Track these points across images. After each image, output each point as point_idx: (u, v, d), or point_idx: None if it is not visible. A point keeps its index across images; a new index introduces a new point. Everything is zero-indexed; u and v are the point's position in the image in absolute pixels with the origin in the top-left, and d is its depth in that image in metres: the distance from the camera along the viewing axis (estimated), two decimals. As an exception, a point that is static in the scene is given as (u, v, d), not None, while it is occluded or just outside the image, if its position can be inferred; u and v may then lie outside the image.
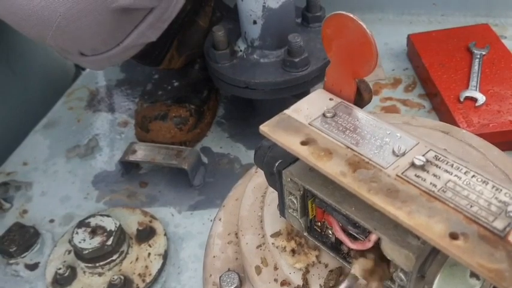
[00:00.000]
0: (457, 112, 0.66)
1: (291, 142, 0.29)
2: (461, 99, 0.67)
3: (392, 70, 0.81)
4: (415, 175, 0.26)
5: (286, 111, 0.32)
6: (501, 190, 0.25)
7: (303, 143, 0.29)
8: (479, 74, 0.70)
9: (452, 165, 0.26)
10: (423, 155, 0.27)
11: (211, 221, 0.55)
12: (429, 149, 0.28)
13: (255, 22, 0.62)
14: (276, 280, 0.36)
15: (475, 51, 0.74)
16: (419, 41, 0.78)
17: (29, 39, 0.52)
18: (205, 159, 0.72)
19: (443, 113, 0.69)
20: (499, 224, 0.23)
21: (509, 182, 0.38)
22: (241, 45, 0.66)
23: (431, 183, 0.26)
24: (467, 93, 0.67)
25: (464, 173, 0.26)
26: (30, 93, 0.87)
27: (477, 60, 0.72)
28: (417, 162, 0.27)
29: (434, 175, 0.26)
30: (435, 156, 0.27)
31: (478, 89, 0.68)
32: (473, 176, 0.26)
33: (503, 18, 0.85)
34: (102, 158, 0.74)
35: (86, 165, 0.74)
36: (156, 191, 0.69)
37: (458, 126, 0.63)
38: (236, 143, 0.75)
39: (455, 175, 0.26)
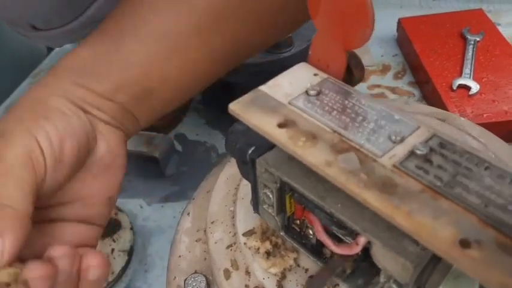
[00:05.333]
0: (449, 101, 0.61)
1: (265, 124, 0.24)
2: (454, 88, 0.62)
3: (381, 56, 0.76)
4: (416, 166, 0.21)
5: (262, 87, 0.26)
6: (521, 186, 0.20)
7: (281, 126, 0.24)
8: (473, 61, 0.66)
9: (461, 155, 0.22)
10: (425, 142, 0.22)
11: (182, 214, 0.50)
12: (433, 134, 0.23)
13: (234, -3, 0.56)
14: (247, 286, 0.31)
15: (469, 37, 0.69)
16: (410, 25, 0.74)
17: None
18: (179, 147, 0.67)
19: (434, 101, 0.65)
20: (521, 229, 0.18)
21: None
22: (219, 23, 0.61)
23: (435, 177, 0.21)
24: (461, 81, 0.63)
25: (476, 164, 0.21)
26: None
27: (471, 46, 0.68)
28: (418, 151, 0.22)
29: (440, 166, 0.21)
30: (440, 143, 0.22)
31: (471, 76, 0.64)
32: (487, 168, 0.21)
33: (497, 4, 0.81)
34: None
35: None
36: (125, 181, 0.62)
37: (451, 116, 0.59)
38: (213, 129, 0.70)
39: (465, 167, 0.21)
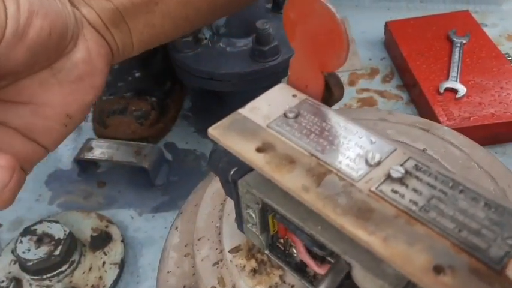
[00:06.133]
0: (436, 104, 0.62)
1: (244, 149, 0.24)
2: (441, 91, 0.63)
3: (369, 59, 0.76)
4: (392, 190, 0.22)
5: (242, 111, 0.27)
6: (496, 208, 0.20)
7: (259, 150, 0.24)
8: (459, 64, 0.66)
9: (436, 177, 0.22)
10: (401, 165, 0.23)
11: (173, 225, 0.50)
12: (408, 157, 0.23)
13: (219, 7, 0.56)
14: (234, 304, 0.31)
15: (455, 40, 0.70)
16: (398, 28, 0.74)
17: None
18: (169, 156, 0.67)
19: (422, 105, 0.65)
20: (494, 254, 0.19)
21: (497, 186, 0.34)
22: (206, 33, 0.61)
23: (411, 201, 0.21)
24: (448, 84, 0.63)
25: (451, 187, 0.22)
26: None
27: (457, 49, 0.68)
28: (394, 174, 0.22)
29: (415, 190, 0.21)
30: (415, 165, 0.23)
31: (458, 79, 0.64)
32: (462, 191, 0.21)
33: (484, 5, 0.82)
34: (57, 156, 0.68)
35: (39, 163, 0.67)
36: (115, 192, 0.64)
37: (438, 120, 0.59)
38: (203, 138, 0.70)
39: (440, 190, 0.21)
